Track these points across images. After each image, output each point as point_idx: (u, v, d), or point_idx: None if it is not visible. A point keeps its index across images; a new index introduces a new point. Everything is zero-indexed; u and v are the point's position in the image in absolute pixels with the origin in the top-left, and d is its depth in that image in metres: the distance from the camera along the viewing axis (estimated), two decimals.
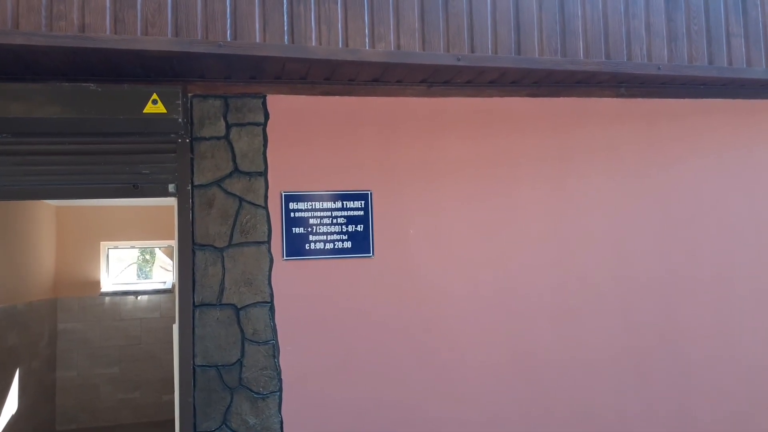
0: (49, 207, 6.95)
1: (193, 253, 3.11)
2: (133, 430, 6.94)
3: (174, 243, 3.19)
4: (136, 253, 8.09)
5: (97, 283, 7.29)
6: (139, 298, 7.33)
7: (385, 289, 3.30)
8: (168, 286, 7.50)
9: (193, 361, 3.05)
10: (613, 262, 3.61)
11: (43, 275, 6.76)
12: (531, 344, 3.46)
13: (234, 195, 3.18)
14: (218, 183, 3.17)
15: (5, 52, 2.72)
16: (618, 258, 3.62)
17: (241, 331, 3.12)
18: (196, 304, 3.09)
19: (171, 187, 3.13)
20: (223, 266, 3.13)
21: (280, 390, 3.12)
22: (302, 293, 3.21)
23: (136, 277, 8.12)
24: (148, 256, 8.59)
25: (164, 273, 7.93)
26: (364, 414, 3.21)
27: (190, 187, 3.14)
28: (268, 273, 3.17)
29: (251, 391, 3.09)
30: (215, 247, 3.14)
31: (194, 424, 3.02)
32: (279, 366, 3.13)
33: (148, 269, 8.57)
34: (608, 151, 3.67)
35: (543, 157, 3.57)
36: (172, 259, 7.72)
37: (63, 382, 7.03)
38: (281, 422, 3.10)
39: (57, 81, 3.00)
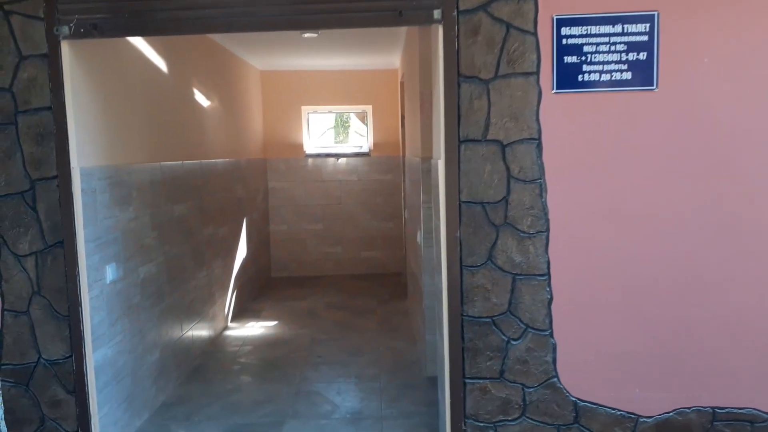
0: (254, 71, 7.25)
1: (458, 85, 2.94)
2: (335, 280, 7.52)
3: (438, 74, 3.04)
4: (332, 118, 8.33)
5: (300, 146, 7.66)
6: (339, 160, 7.61)
7: (669, 128, 2.91)
8: (365, 150, 7.68)
9: (459, 197, 2.99)
10: None
11: (255, 137, 7.21)
12: None
13: (501, 21, 2.90)
14: (484, 8, 2.90)
15: None
16: None
17: (507, 168, 2.97)
18: (461, 139, 2.97)
19: (436, 14, 2.92)
20: (489, 99, 2.94)
21: (548, 230, 2.98)
22: (573, 130, 2.94)
23: (333, 142, 8.43)
24: (340, 126, 8.82)
25: (359, 138, 8.12)
26: (633, 262, 2.99)
27: (455, 13, 2.90)
28: (536, 107, 2.93)
29: (517, 229, 2.99)
30: (480, 79, 2.93)
31: (460, 258, 3.01)
32: (546, 206, 2.97)
33: (341, 137, 8.84)
34: None
35: None
36: (365, 124, 7.83)
37: (275, 235, 7.73)
38: (548, 263, 2.99)
39: None
